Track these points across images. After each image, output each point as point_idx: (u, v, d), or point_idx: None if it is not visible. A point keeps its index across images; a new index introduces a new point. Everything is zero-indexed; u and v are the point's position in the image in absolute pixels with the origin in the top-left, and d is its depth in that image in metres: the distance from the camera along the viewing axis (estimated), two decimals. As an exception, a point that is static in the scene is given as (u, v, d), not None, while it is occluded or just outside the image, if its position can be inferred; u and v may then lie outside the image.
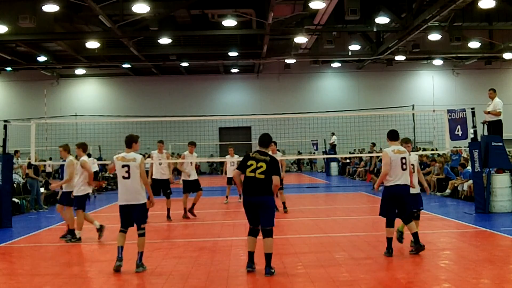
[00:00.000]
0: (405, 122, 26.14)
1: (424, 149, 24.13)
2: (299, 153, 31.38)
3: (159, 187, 11.68)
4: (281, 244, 8.53)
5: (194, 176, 12.14)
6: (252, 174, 6.61)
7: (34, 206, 14.63)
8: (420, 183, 8.16)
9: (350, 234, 9.63)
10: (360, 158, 26.49)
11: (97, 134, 24.13)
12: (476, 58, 30.45)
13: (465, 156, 17.03)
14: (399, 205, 7.49)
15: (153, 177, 11.70)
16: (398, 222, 7.69)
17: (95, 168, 20.22)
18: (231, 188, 14.89)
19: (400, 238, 8.05)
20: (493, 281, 6.17)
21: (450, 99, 30.51)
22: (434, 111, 12.43)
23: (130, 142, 7.30)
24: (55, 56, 27.88)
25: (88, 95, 34.22)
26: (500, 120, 12.05)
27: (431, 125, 16.34)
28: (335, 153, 27.31)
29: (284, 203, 12.45)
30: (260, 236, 6.69)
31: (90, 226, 9.60)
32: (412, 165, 7.93)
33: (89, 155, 13.21)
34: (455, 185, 15.59)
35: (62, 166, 17.06)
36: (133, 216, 7.06)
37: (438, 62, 32.16)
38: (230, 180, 13.60)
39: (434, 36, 23.66)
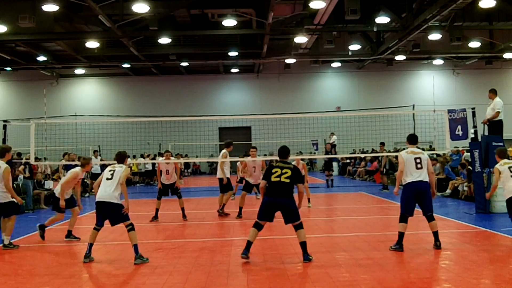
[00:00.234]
0: (405, 122, 26.09)
1: (424, 149, 24.16)
2: (300, 153, 31.37)
3: (167, 189, 11.83)
4: (281, 244, 8.51)
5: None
6: (278, 179, 7.22)
7: (32, 206, 14.61)
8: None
9: (350, 234, 9.62)
10: (361, 158, 26.47)
11: (96, 134, 24.12)
12: (476, 58, 30.45)
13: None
14: (420, 200, 7.82)
15: (161, 181, 11.83)
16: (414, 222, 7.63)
17: (97, 169, 20.24)
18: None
19: None
20: (493, 281, 6.16)
21: (451, 99, 30.50)
22: (434, 111, 12.41)
23: (124, 158, 8.03)
24: (54, 56, 27.88)
25: (87, 95, 34.21)
26: (501, 120, 12.03)
27: (432, 125, 16.28)
28: (335, 153, 27.27)
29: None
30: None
31: (89, 226, 9.56)
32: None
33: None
34: (455, 185, 15.58)
35: (65, 166, 17.12)
36: (110, 215, 7.54)
37: (438, 62, 32.16)
38: (249, 187, 12.41)
39: (435, 36, 23.66)
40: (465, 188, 14.76)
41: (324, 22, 21.54)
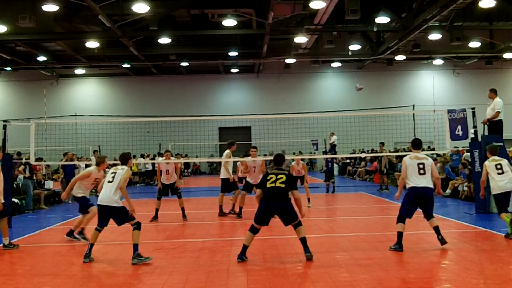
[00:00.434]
0: (405, 122, 26.09)
1: (423, 149, 24.16)
2: (300, 153, 31.35)
3: (167, 189, 11.82)
4: (281, 244, 8.51)
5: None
6: (273, 185, 7.29)
7: (32, 206, 14.61)
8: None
9: (350, 234, 9.62)
10: (361, 158, 26.46)
11: (96, 134, 24.10)
12: (476, 58, 30.45)
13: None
14: (422, 205, 7.95)
15: (161, 181, 11.82)
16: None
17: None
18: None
19: None
20: (493, 281, 6.15)
21: (451, 99, 30.49)
22: (434, 111, 12.41)
23: (126, 159, 7.99)
24: (54, 56, 27.88)
25: (87, 95, 34.21)
26: (501, 120, 12.02)
27: (432, 125, 16.28)
28: (335, 153, 27.26)
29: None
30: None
31: (89, 226, 9.55)
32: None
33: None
34: (456, 185, 15.58)
35: (64, 166, 17.13)
36: (114, 217, 7.56)
37: (438, 62, 32.16)
38: (249, 187, 12.19)
39: (435, 36, 23.66)
40: (465, 188, 14.76)
41: (324, 22, 21.54)
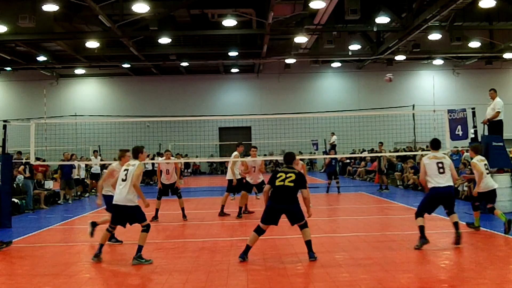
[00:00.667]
0: (405, 122, 26.12)
1: (423, 149, 24.14)
2: (300, 153, 31.37)
3: (167, 189, 11.80)
4: (281, 244, 8.52)
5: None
6: (282, 183, 7.26)
7: (32, 206, 14.61)
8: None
9: (350, 234, 9.63)
10: (361, 158, 26.46)
11: (96, 134, 24.12)
12: (476, 58, 30.44)
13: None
14: (444, 204, 8.13)
15: (161, 181, 11.81)
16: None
17: (97, 169, 20.21)
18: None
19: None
20: (493, 281, 6.15)
21: (451, 99, 30.47)
22: (434, 111, 12.41)
23: (137, 152, 7.74)
24: (54, 56, 27.88)
25: (87, 95, 34.21)
26: (501, 120, 12.03)
27: (431, 125, 16.29)
28: (335, 153, 27.27)
29: None
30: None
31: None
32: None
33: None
34: (456, 185, 15.56)
35: (61, 167, 17.13)
36: (127, 218, 7.44)
37: (438, 62, 32.15)
38: (249, 187, 12.26)
39: (435, 36, 23.65)
40: (465, 188, 14.75)
41: (324, 22, 21.53)
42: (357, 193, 18.26)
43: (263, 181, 11.90)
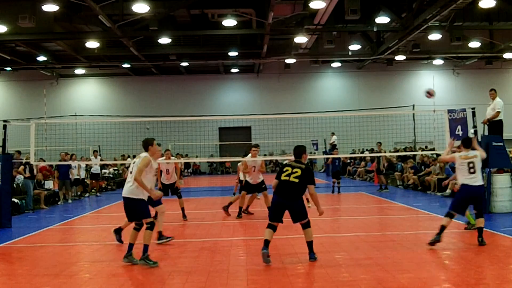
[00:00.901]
0: (405, 122, 26.13)
1: (423, 149, 24.15)
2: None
3: (167, 189, 11.78)
4: (281, 244, 8.51)
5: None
6: (287, 178, 7.10)
7: (32, 206, 14.61)
8: None
9: (350, 234, 9.63)
10: (361, 158, 26.45)
11: (96, 134, 24.12)
12: (476, 58, 30.45)
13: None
14: (474, 203, 8.20)
15: (161, 181, 11.79)
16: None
17: (97, 169, 20.21)
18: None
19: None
20: (493, 281, 6.15)
21: (451, 99, 30.48)
22: (434, 111, 12.41)
23: (146, 144, 7.44)
24: (54, 56, 27.88)
25: (87, 95, 34.23)
26: (501, 120, 12.03)
27: (431, 125, 16.30)
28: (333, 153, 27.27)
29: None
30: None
31: (89, 226, 9.58)
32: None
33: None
34: (456, 185, 15.55)
35: (58, 167, 17.11)
36: (128, 211, 7.24)
37: (438, 62, 32.16)
38: (249, 187, 12.08)
39: (435, 36, 23.65)
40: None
41: (324, 22, 21.53)
42: (357, 193, 18.26)
43: (262, 181, 11.90)
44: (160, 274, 6.74)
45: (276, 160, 27.73)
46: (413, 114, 26.58)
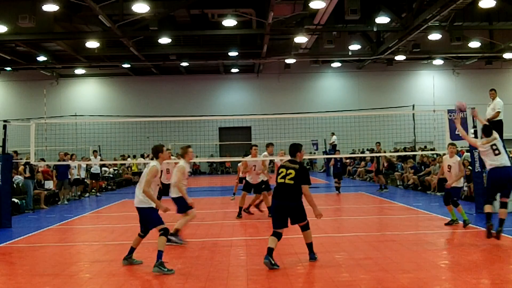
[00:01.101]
0: (405, 122, 26.14)
1: (423, 149, 24.15)
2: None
3: (167, 189, 11.76)
4: (281, 244, 8.48)
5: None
6: (282, 180, 6.99)
7: (32, 206, 14.61)
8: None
9: (350, 234, 9.63)
10: (361, 158, 26.46)
11: (96, 134, 24.13)
12: (476, 58, 30.45)
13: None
14: (502, 187, 8.26)
15: (162, 181, 11.76)
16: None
17: (96, 169, 20.21)
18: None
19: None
20: (493, 281, 6.16)
21: (451, 99, 30.39)
22: (434, 111, 12.41)
23: (156, 152, 7.37)
24: (54, 56, 27.88)
25: (87, 95, 34.22)
26: (501, 120, 12.03)
27: (431, 125, 16.34)
28: (335, 153, 27.27)
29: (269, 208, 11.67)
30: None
31: (89, 226, 9.58)
32: (450, 166, 9.97)
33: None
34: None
35: (57, 166, 17.08)
36: (141, 220, 7.20)
37: (438, 62, 32.15)
38: (249, 186, 12.18)
39: (435, 36, 23.65)
40: (465, 188, 14.75)
41: (324, 22, 21.52)
42: (357, 193, 18.26)
43: (262, 181, 11.89)
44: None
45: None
46: (413, 114, 26.57)
